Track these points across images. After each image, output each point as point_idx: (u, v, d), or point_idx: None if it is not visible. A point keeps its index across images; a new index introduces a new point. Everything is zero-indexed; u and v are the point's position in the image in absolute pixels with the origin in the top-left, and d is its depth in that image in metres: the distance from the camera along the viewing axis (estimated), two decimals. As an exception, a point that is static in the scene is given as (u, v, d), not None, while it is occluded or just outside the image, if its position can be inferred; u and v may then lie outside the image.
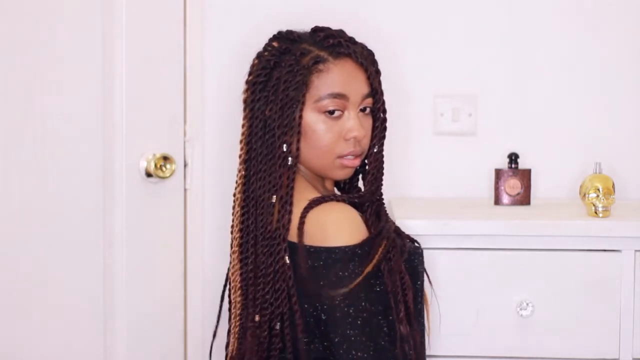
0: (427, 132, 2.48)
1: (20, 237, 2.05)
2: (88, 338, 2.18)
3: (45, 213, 2.09)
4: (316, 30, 1.80)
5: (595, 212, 2.06)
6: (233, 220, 1.82)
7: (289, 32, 1.81)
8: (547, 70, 2.47)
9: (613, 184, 2.11)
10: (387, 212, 1.86)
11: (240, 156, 1.80)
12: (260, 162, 1.76)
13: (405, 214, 2.08)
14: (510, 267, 2.03)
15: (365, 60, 1.78)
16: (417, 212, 2.18)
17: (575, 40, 2.46)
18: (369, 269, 1.67)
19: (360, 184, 1.90)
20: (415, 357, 1.71)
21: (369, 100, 1.79)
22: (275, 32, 1.84)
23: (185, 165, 2.36)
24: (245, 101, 1.80)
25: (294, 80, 1.74)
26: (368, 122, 1.80)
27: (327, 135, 1.76)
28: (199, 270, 2.42)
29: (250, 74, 1.81)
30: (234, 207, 1.82)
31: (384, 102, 1.81)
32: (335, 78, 1.75)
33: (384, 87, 1.83)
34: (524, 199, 2.29)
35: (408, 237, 1.85)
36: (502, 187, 2.29)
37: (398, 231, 1.82)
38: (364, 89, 1.78)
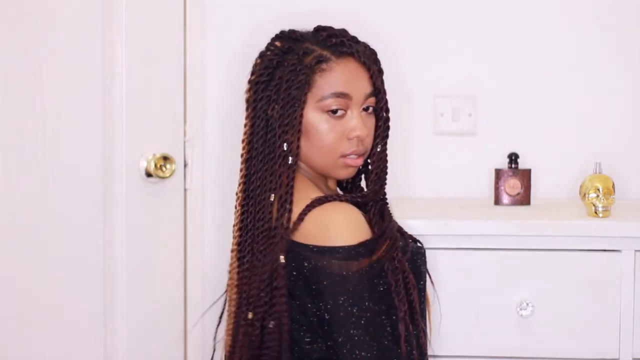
0: (427, 132, 2.48)
1: (20, 237, 2.04)
2: (88, 338, 2.18)
3: (45, 213, 2.08)
4: (319, 29, 1.80)
5: (595, 212, 2.06)
6: (234, 219, 1.82)
7: (292, 32, 1.80)
8: (547, 70, 2.47)
9: (613, 184, 2.11)
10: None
11: (242, 155, 1.80)
12: (261, 161, 1.76)
13: (405, 214, 2.07)
14: (510, 267, 2.04)
15: (368, 60, 1.78)
16: (417, 212, 2.18)
17: (575, 41, 2.46)
18: (368, 263, 1.67)
19: (363, 183, 1.90)
20: (419, 357, 1.71)
21: (372, 100, 1.79)
22: (276, 32, 1.83)
23: (185, 165, 2.36)
24: (247, 100, 1.80)
25: (296, 79, 1.73)
26: (371, 121, 1.80)
27: (330, 134, 1.76)
28: (199, 270, 2.41)
29: (252, 73, 1.80)
30: (235, 206, 1.82)
31: (386, 102, 1.80)
32: (338, 77, 1.75)
33: (384, 87, 1.83)
34: (524, 199, 2.29)
35: (411, 237, 1.85)
36: (502, 187, 2.29)
37: (401, 231, 1.82)
38: (367, 88, 1.78)
